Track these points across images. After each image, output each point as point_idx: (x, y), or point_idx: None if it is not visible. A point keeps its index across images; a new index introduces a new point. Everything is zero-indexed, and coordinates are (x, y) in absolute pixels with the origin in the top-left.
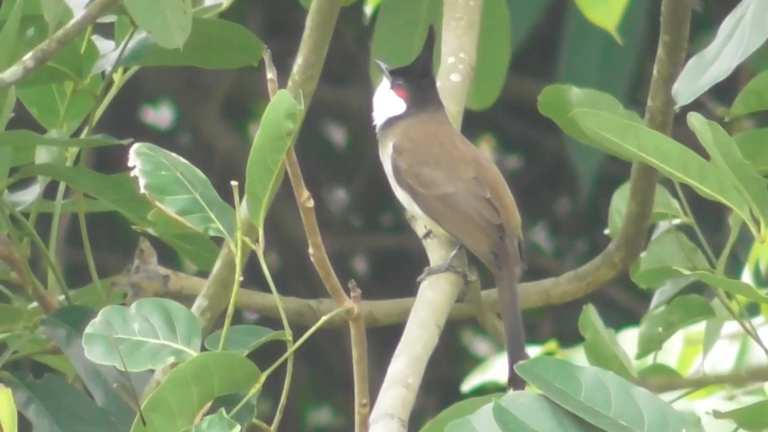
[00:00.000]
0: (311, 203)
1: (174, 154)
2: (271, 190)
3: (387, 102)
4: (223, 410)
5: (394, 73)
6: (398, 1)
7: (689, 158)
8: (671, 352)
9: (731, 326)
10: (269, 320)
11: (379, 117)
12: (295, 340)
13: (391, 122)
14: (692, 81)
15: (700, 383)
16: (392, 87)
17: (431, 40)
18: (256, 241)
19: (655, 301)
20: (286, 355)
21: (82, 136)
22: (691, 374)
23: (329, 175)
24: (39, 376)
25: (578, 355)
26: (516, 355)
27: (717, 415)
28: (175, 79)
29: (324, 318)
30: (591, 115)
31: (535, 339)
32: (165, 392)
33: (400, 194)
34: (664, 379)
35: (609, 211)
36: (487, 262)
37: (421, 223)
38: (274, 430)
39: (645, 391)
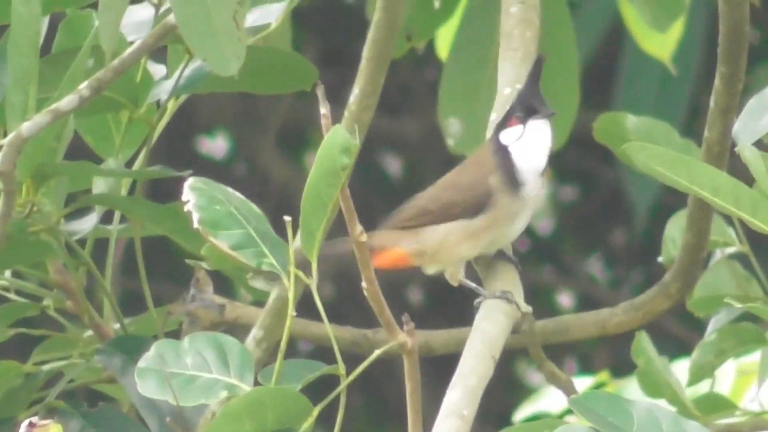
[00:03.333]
0: (365, 238)
1: (229, 189)
2: (325, 225)
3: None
4: None
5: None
6: (468, 42)
7: (741, 192)
8: (723, 383)
9: None
10: (325, 350)
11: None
12: (350, 370)
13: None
14: (753, 122)
15: (755, 414)
16: (506, 124)
17: (536, 71)
18: (310, 275)
19: (709, 329)
20: (338, 390)
21: (137, 164)
22: (744, 405)
23: (385, 206)
24: (94, 405)
25: (631, 386)
26: None
27: None
28: (230, 109)
29: (377, 352)
30: (643, 148)
31: (590, 369)
32: (218, 426)
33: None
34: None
35: (663, 239)
36: None
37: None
38: None
39: (697, 424)
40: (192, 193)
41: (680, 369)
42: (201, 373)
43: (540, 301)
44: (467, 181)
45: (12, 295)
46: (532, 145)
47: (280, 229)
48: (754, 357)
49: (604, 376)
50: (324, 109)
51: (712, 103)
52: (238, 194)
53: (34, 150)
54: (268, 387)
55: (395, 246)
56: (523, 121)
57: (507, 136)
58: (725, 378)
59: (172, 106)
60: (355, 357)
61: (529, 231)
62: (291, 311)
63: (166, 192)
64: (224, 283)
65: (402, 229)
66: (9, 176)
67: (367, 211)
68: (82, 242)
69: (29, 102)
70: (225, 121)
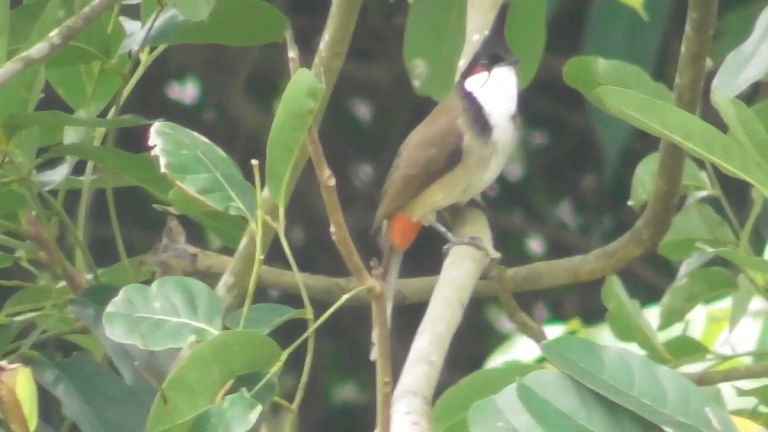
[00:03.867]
0: (333, 182)
1: (195, 133)
2: (292, 169)
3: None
4: (244, 389)
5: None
6: None
7: (713, 136)
8: (694, 330)
9: (755, 303)
10: (296, 297)
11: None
12: (319, 318)
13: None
14: (731, 77)
15: (726, 358)
16: (470, 71)
17: (499, 22)
18: (278, 220)
19: (680, 273)
20: (306, 334)
21: (110, 115)
22: (716, 350)
23: (355, 152)
24: (67, 355)
25: (602, 333)
26: None
27: (740, 392)
28: (200, 56)
29: (345, 296)
30: (615, 92)
31: (560, 316)
32: (186, 371)
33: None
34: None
35: (632, 182)
36: None
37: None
38: (296, 408)
39: (668, 369)
40: (158, 137)
41: (652, 315)
42: (169, 317)
43: (510, 246)
44: (438, 132)
45: None
46: (497, 90)
47: (249, 176)
48: (725, 304)
49: (575, 323)
50: (293, 53)
51: (683, 49)
52: (204, 138)
53: (5, 100)
54: (236, 331)
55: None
56: (488, 68)
57: (472, 83)
58: (696, 325)
59: (145, 59)
60: (328, 306)
61: (498, 176)
62: (259, 255)
63: (137, 142)
64: (196, 233)
65: (400, 208)
66: None
67: (338, 157)
68: (54, 193)
69: None
70: (195, 68)
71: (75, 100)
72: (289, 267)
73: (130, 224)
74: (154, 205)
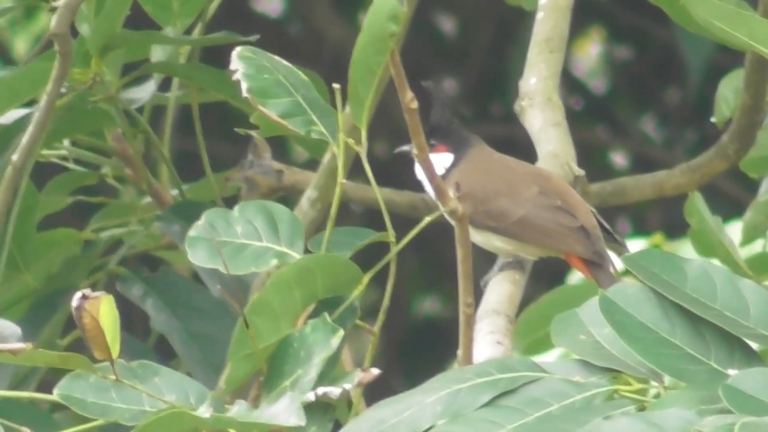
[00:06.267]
0: (415, 104)
1: (276, 57)
2: (374, 92)
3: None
4: (326, 314)
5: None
6: None
7: None
8: None
9: None
10: (380, 215)
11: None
12: (407, 231)
13: (445, 177)
14: None
15: None
16: (430, 150)
17: (436, 95)
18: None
19: (762, 189)
20: (387, 257)
21: (196, 31)
22: None
23: (439, 65)
24: (154, 271)
25: (685, 247)
26: None
27: None
28: None
29: (427, 219)
30: (703, 2)
31: (643, 231)
32: (268, 295)
33: (480, 237)
34: None
35: (715, 98)
36: (592, 260)
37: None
38: (378, 330)
39: (751, 282)
40: (240, 62)
41: (734, 231)
42: (251, 241)
43: (594, 160)
44: None
45: (71, 164)
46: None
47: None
48: None
49: (658, 238)
50: None
51: None
52: (285, 62)
53: (105, 22)
54: (318, 254)
55: None
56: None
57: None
58: None
59: None
60: (412, 221)
61: (582, 90)
62: (340, 179)
63: (223, 57)
64: (281, 148)
65: None
66: (64, 38)
67: (422, 71)
68: (140, 110)
69: None
70: None
71: (162, 17)
72: (375, 179)
73: (215, 140)
74: (237, 129)
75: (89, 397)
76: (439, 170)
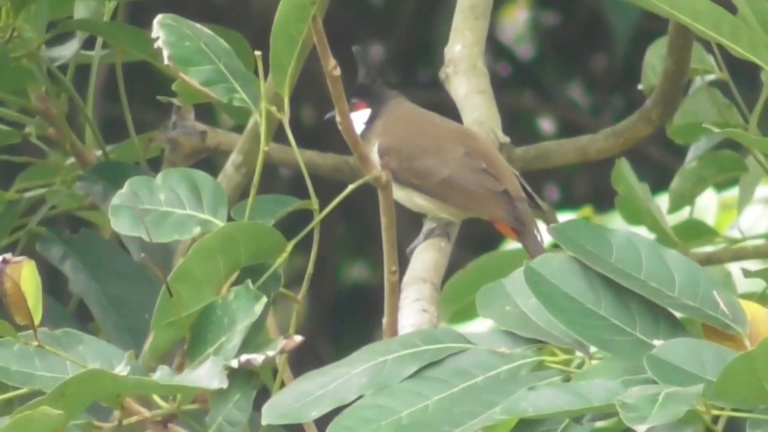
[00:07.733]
0: (338, 72)
1: (198, 25)
2: (296, 60)
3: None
4: (249, 281)
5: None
6: None
7: (721, 17)
8: (705, 216)
9: (765, 189)
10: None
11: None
12: (333, 196)
13: (365, 134)
14: None
15: (735, 240)
16: (351, 108)
17: (363, 60)
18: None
19: (689, 156)
20: (310, 225)
21: None
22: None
23: (366, 32)
24: (76, 231)
25: (614, 220)
26: None
27: (747, 273)
28: None
29: (350, 187)
30: None
31: (571, 196)
32: (191, 263)
33: (402, 194)
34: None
35: (642, 66)
36: (512, 226)
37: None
38: (302, 298)
39: (676, 252)
40: (162, 29)
41: (662, 202)
42: (174, 209)
43: (521, 126)
44: None
45: None
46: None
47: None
48: (736, 192)
49: (587, 210)
50: None
51: None
52: (207, 30)
53: None
54: (241, 222)
55: None
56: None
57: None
58: (708, 213)
59: None
60: (338, 184)
61: (509, 56)
62: (263, 146)
63: (147, 18)
64: (205, 110)
65: None
66: None
67: (348, 37)
68: (63, 69)
69: None
70: None
71: None
72: (301, 144)
73: (139, 102)
74: (159, 97)
75: (12, 365)
76: (359, 126)
